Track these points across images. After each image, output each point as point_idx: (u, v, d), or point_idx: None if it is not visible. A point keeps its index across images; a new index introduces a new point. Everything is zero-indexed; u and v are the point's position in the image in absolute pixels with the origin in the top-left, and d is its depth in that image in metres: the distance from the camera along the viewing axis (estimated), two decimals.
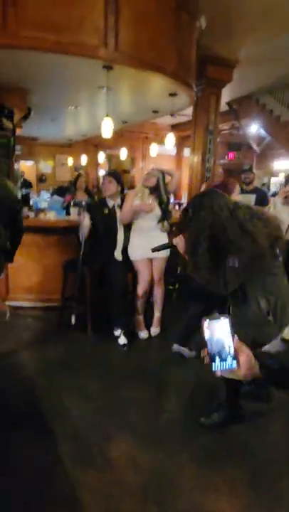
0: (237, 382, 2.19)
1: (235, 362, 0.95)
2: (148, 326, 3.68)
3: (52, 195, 7.99)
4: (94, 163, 10.97)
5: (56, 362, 3.07)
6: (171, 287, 4.98)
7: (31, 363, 3.01)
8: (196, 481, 1.91)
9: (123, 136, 10.23)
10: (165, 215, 3.53)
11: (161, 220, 3.50)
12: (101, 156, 9.99)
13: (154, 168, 3.62)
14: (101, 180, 3.88)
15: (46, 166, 11.32)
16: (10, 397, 2.54)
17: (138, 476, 1.93)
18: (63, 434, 2.19)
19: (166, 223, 3.54)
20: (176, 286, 5.03)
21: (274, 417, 2.45)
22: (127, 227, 3.55)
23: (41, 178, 11.27)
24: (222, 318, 0.95)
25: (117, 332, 3.45)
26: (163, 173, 3.56)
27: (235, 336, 0.96)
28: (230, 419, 2.33)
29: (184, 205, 2.10)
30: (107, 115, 4.22)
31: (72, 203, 5.03)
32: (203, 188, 5.20)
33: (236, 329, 0.95)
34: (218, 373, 0.96)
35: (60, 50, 3.42)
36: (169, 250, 3.59)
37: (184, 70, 4.20)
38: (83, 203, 3.73)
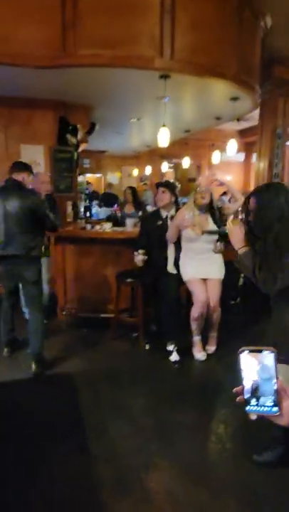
0: None
1: (276, 407, 0.75)
2: (204, 344, 3.48)
3: (100, 203, 8.12)
4: (159, 173, 11.04)
5: (104, 375, 3.04)
6: (232, 302, 4.71)
7: (80, 374, 3.01)
8: None
9: (188, 144, 10.13)
10: (220, 235, 3.26)
11: (218, 240, 3.25)
12: (164, 166, 10.00)
13: (205, 185, 3.34)
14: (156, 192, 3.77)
15: (113, 178, 11.68)
16: (53, 409, 2.54)
17: None
18: (102, 454, 2.11)
19: (219, 244, 3.26)
20: (238, 300, 4.73)
21: None
22: (178, 243, 3.40)
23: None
24: (265, 351, 0.76)
25: (170, 347, 3.32)
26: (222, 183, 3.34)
27: (279, 377, 0.76)
28: (285, 459, 2.04)
29: (248, 194, 1.93)
30: (164, 125, 4.16)
31: (111, 216, 5.06)
32: None
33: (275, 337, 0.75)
34: (253, 417, 0.78)
35: (116, 65, 3.46)
36: (224, 271, 3.37)
37: (247, 72, 3.98)
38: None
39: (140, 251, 3.40)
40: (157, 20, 3.35)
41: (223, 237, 2.16)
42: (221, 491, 1.89)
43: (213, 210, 3.28)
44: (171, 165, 11.37)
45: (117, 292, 3.68)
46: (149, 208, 9.25)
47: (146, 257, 3.43)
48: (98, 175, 11.52)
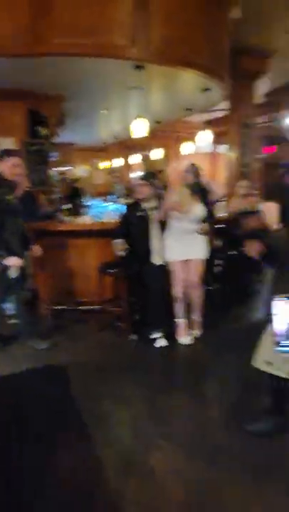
0: (285, 385, 2.06)
1: None
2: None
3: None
4: (128, 165, 11.03)
5: (94, 366, 3.06)
6: (210, 288, 4.84)
7: (69, 367, 3.01)
8: (242, 496, 1.78)
9: (156, 136, 10.16)
10: (206, 215, 3.37)
11: (204, 221, 3.35)
12: (133, 158, 10.01)
13: (190, 164, 3.43)
14: (133, 183, 3.80)
15: (82, 171, 11.52)
16: (49, 401, 2.54)
17: (181, 488, 1.85)
18: (104, 439, 2.15)
19: (205, 225, 3.38)
20: (215, 286, 4.87)
21: None
22: (162, 230, 3.45)
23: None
24: None
25: (155, 335, 3.39)
26: (197, 168, 3.42)
27: None
28: (277, 428, 2.18)
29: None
30: (139, 116, 4.18)
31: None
32: (240, 184, 4.99)
33: None
34: (284, 356, 0.88)
35: (90, 53, 3.44)
36: (206, 251, 3.47)
37: (217, 62, 4.08)
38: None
39: (118, 240, 3.45)
40: (130, 10, 3.35)
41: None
42: (220, 463, 1.99)
43: (201, 192, 3.37)
44: (140, 157, 11.37)
45: (100, 283, 3.70)
46: (120, 201, 9.24)
47: (126, 246, 3.44)
48: (67, 168, 11.29)
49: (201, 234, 3.40)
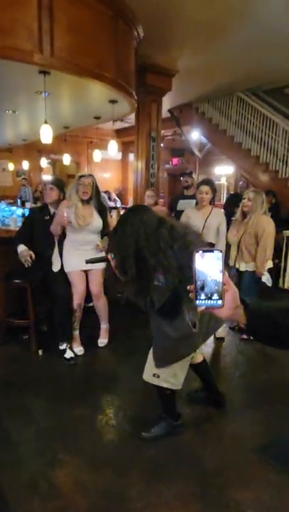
0: (170, 392, 2.22)
1: (220, 301, 0.87)
2: (96, 338, 3.61)
3: None
4: (37, 168, 10.67)
5: None
6: (119, 294, 4.94)
7: None
8: (145, 498, 1.87)
9: (67, 141, 10.06)
10: (102, 231, 3.34)
11: (102, 236, 3.33)
12: (44, 162, 9.71)
13: (87, 176, 3.28)
14: (43, 188, 3.68)
15: None
16: None
17: (86, 499, 1.86)
18: (4, 462, 2.05)
19: (100, 241, 3.32)
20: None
21: (222, 423, 2.50)
22: (63, 236, 3.39)
23: None
24: (215, 251, 0.87)
25: (62, 346, 3.33)
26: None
27: (226, 272, 0.88)
28: (171, 430, 2.32)
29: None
30: (46, 122, 4.09)
31: None
32: (147, 193, 5.21)
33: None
34: (202, 309, 0.88)
35: None
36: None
37: (123, 77, 4.21)
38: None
39: (22, 246, 3.31)
40: (35, 15, 3.29)
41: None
42: (123, 470, 2.05)
43: (96, 204, 3.32)
44: (49, 161, 11.10)
45: (5, 294, 3.50)
46: (28, 205, 8.90)
47: (31, 253, 3.31)
48: None
49: (97, 251, 3.31)
